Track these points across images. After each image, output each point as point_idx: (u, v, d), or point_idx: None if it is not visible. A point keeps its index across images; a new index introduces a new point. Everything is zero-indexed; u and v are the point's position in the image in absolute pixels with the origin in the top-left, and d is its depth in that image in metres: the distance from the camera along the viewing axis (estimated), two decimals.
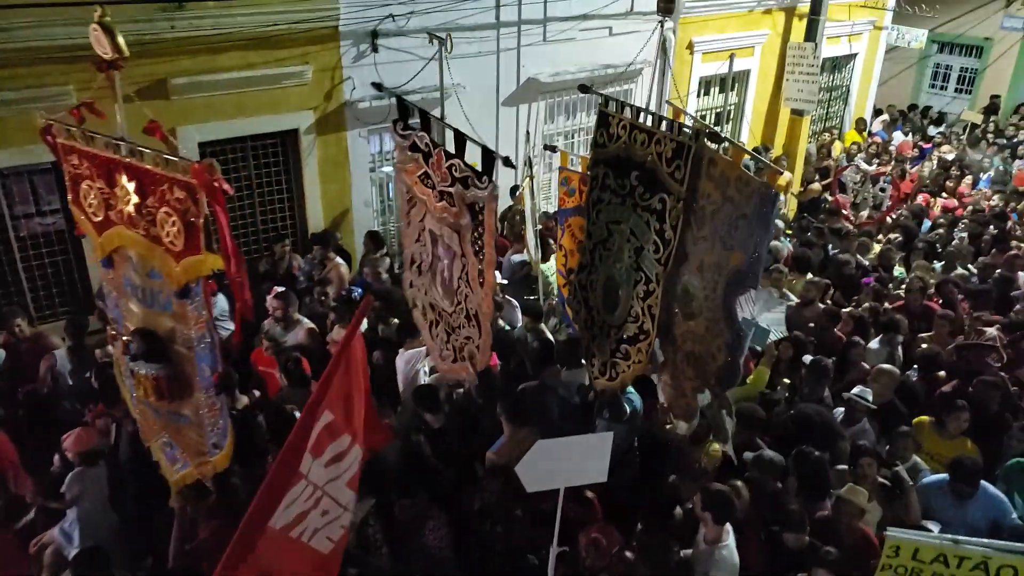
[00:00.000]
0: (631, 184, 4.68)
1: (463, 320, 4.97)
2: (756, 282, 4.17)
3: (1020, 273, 8.15)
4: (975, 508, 4.84)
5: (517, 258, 7.85)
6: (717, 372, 4.45)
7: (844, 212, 10.64)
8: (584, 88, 5.62)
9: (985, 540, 3.71)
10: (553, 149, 7.03)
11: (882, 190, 11.73)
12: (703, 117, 11.85)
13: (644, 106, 5.17)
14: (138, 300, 4.38)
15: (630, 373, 5.04)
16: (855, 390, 5.69)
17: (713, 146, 4.27)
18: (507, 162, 4.23)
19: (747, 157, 4.74)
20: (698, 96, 12.03)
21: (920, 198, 11.45)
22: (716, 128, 9.91)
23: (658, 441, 5.48)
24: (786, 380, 6.28)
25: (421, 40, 8.39)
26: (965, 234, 9.66)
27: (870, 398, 5.64)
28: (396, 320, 6.56)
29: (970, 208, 10.98)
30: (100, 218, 4.31)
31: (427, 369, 5.92)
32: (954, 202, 11.17)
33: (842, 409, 5.82)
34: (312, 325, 6.63)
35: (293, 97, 7.99)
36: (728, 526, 4.34)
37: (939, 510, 4.90)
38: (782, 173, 4.08)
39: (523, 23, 9.40)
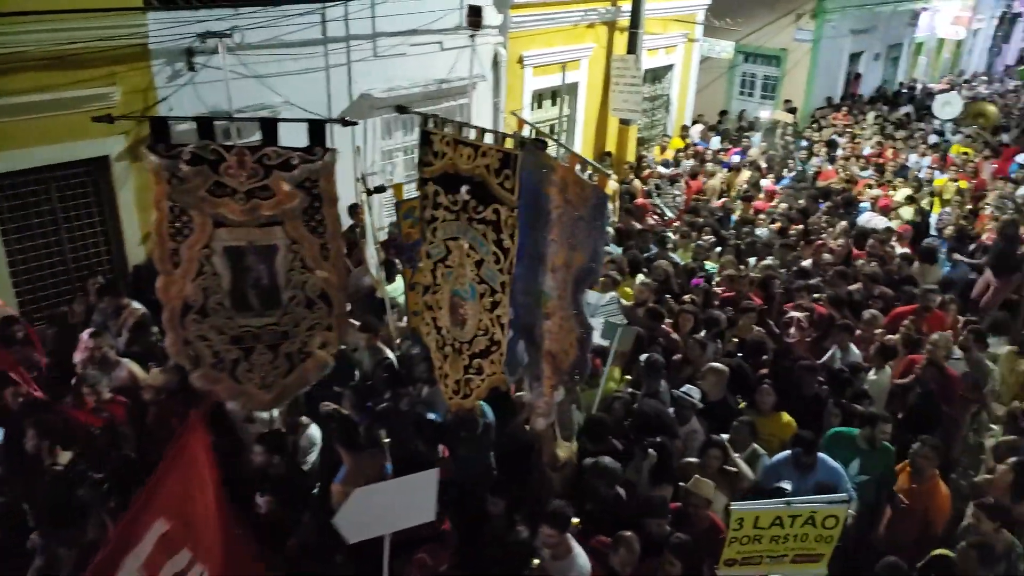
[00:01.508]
0: (463, 199, 4.65)
1: (304, 312, 4.80)
2: (595, 280, 4.44)
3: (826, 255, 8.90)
4: (815, 477, 5.26)
5: (359, 279, 7.56)
6: (570, 368, 4.56)
7: (648, 213, 11.07)
8: (401, 109, 5.56)
9: (810, 497, 4.27)
10: (381, 189, 6.80)
11: (679, 189, 12.33)
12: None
13: (476, 120, 5.18)
14: None
15: (485, 387, 4.99)
16: (683, 388, 5.93)
17: (553, 153, 4.36)
18: (346, 122, 4.16)
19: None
20: (532, 109, 12.27)
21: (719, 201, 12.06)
22: (555, 137, 10.11)
23: (518, 443, 5.49)
24: (627, 376, 6.49)
25: (243, 57, 7.96)
26: (766, 229, 10.31)
27: (697, 396, 5.88)
28: None
29: (783, 205, 11.70)
30: None
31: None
32: (764, 203, 11.74)
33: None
34: (134, 365, 6.07)
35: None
36: (568, 533, 4.40)
37: (787, 481, 5.26)
38: (611, 177, 4.26)
39: (352, 38, 9.18)
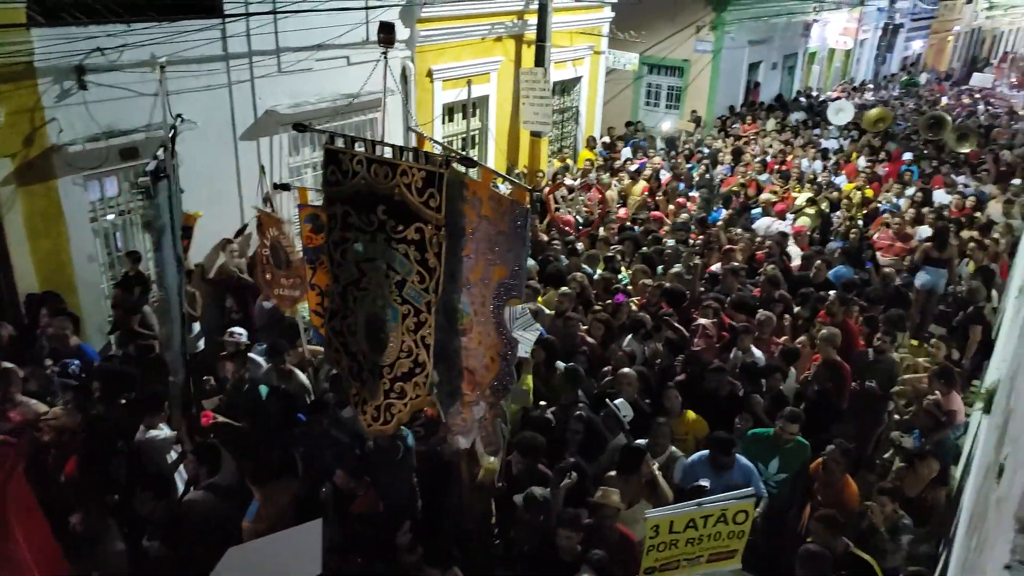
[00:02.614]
0: (379, 219, 4.55)
1: None
2: (521, 292, 4.36)
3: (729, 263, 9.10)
4: (732, 476, 5.42)
5: (268, 304, 7.36)
6: (491, 382, 4.52)
7: (564, 226, 11.16)
8: (300, 127, 5.37)
9: (718, 496, 4.32)
10: (286, 187, 6.65)
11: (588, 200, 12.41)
12: (450, 143, 12.09)
13: (386, 136, 5.08)
14: None
15: (408, 411, 4.89)
16: (618, 401, 5.98)
17: (463, 169, 4.34)
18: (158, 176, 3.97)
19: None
20: (443, 123, 12.26)
21: (622, 211, 12.19)
22: (463, 152, 10.12)
23: (439, 464, 5.44)
24: (544, 404, 6.31)
25: (139, 75, 7.65)
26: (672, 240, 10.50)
27: (628, 413, 5.93)
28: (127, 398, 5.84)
29: (685, 215, 11.87)
30: None
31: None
32: (661, 214, 11.82)
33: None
34: (41, 406, 5.72)
35: None
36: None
37: (705, 480, 5.36)
38: (529, 190, 4.30)
39: (255, 54, 8.96)
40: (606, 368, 6.76)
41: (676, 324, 7.30)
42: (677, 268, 8.66)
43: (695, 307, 7.84)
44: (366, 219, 4.60)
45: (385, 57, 6.04)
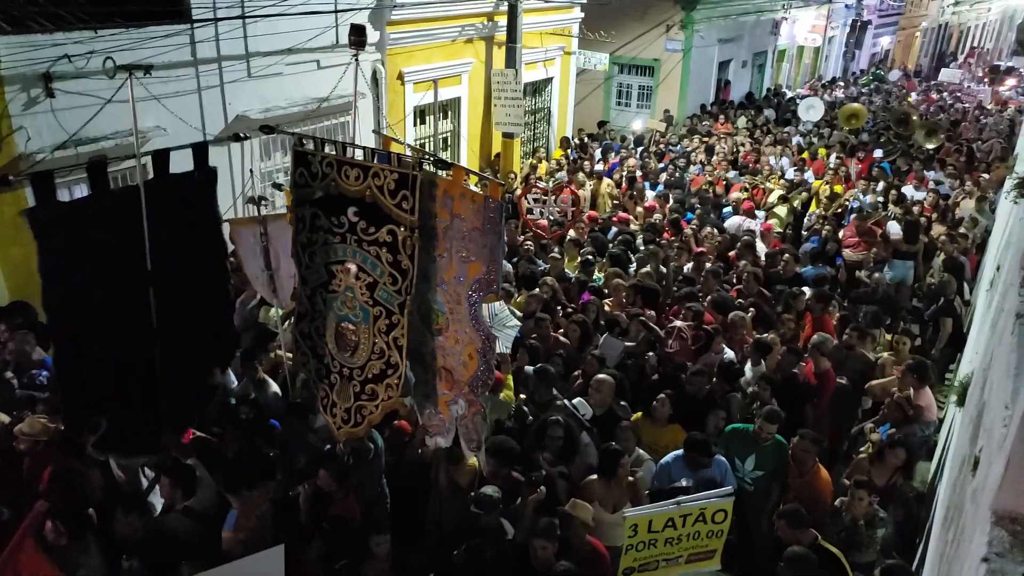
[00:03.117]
0: (350, 221, 4.54)
1: None
2: (498, 287, 4.38)
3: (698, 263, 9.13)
4: (709, 472, 5.46)
5: (246, 307, 7.27)
6: (471, 380, 4.52)
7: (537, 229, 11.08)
8: (267, 129, 5.33)
9: (698, 495, 4.36)
10: (279, 187, 6.60)
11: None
12: (422, 145, 12.06)
13: (357, 139, 5.07)
14: None
15: (379, 412, 4.88)
16: (575, 400, 5.96)
17: (432, 170, 4.35)
18: None
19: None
20: (415, 125, 12.21)
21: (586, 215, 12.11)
22: (434, 154, 10.07)
23: (411, 467, 5.40)
24: (522, 395, 6.36)
25: (107, 82, 7.52)
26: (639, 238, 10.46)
27: (588, 412, 5.90)
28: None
29: (659, 216, 11.86)
30: None
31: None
32: (628, 215, 11.66)
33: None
34: (4, 416, 5.61)
35: None
36: None
37: (684, 479, 5.39)
38: (503, 185, 4.31)
39: (224, 59, 8.88)
40: (576, 372, 6.73)
41: (651, 324, 7.32)
42: (646, 269, 8.69)
43: (670, 307, 7.87)
44: (336, 221, 4.59)
45: (356, 60, 5.98)
